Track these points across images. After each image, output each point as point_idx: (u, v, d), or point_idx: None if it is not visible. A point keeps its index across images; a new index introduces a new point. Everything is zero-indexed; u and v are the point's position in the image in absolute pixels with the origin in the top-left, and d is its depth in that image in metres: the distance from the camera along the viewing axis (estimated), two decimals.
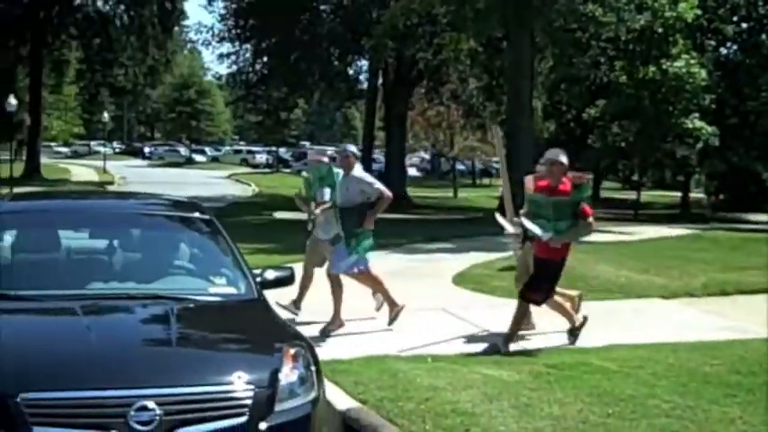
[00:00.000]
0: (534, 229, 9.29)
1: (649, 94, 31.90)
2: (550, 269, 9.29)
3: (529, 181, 9.58)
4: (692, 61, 31.47)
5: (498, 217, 10.65)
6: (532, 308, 9.79)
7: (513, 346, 9.25)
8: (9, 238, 6.59)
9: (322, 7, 40.93)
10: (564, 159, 9.17)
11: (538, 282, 9.30)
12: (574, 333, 9.63)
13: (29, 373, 4.77)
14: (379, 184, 10.43)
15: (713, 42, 37.18)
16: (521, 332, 9.72)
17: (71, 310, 5.54)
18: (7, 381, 4.64)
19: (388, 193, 10.37)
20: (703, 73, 31.54)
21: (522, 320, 9.50)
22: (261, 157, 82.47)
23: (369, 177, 10.54)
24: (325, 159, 11.36)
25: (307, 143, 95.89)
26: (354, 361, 8.27)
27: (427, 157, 74.81)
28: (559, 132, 47.51)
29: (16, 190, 35.11)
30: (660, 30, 31.36)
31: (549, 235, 9.13)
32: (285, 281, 6.66)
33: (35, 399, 4.58)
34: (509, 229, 10.29)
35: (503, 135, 10.83)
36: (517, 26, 27.10)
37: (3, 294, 5.76)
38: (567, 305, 9.81)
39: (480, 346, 9.31)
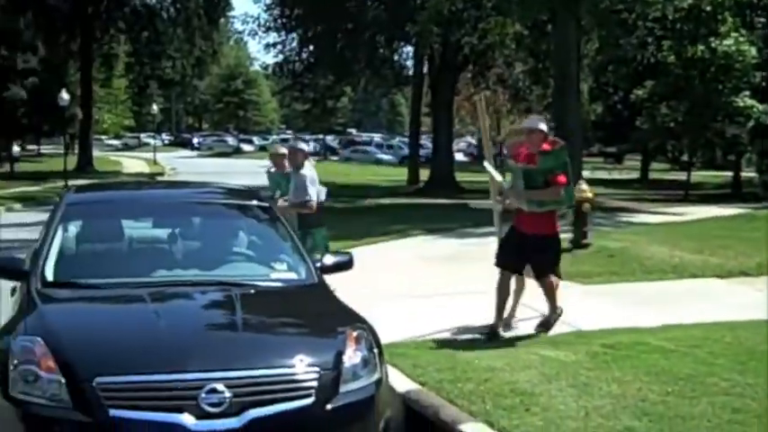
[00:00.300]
0: (494, 174, 9.58)
1: (698, 73, 31.54)
2: (554, 245, 9.12)
3: (509, 148, 9.45)
4: (742, 39, 31.01)
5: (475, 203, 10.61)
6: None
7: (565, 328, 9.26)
8: (76, 228, 6.79)
9: None
10: (542, 126, 8.97)
11: (547, 260, 9.06)
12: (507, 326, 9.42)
13: (103, 358, 4.95)
14: (310, 192, 10.31)
15: (763, 19, 36.61)
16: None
17: (139, 297, 5.73)
18: (83, 366, 4.83)
19: (312, 203, 10.29)
20: (753, 51, 31.08)
21: (555, 297, 9.19)
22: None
23: (308, 181, 10.36)
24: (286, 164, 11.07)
25: (353, 130, 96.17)
26: (411, 344, 8.37)
27: (474, 141, 74.67)
28: (606, 114, 47.23)
29: (70, 183, 35.65)
30: (708, 8, 30.98)
31: (504, 183, 9.26)
32: (344, 266, 6.79)
33: (110, 383, 4.75)
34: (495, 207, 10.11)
35: (485, 103, 10.43)
36: (563, 8, 26.94)
37: (73, 283, 5.97)
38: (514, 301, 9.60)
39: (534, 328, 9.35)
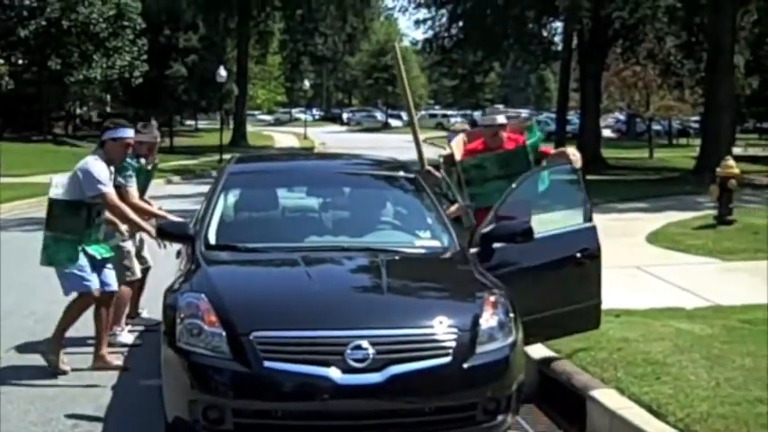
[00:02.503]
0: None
1: None
2: None
3: (458, 145, 8.09)
4: None
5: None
6: None
7: None
8: (236, 196, 7.31)
9: None
10: (503, 120, 7.94)
11: None
12: None
13: (259, 314, 5.40)
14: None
15: None
16: None
17: (293, 260, 6.18)
18: (242, 321, 5.28)
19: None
20: None
21: None
22: (456, 121, 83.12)
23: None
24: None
25: (500, 106, 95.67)
26: None
27: (622, 117, 73.20)
28: (763, 89, 45.72)
29: (225, 157, 36.84)
30: None
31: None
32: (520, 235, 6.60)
33: (265, 337, 5.18)
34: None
35: (400, 51, 9.25)
36: None
37: (233, 246, 6.47)
38: None
39: (673, 303, 9.40)
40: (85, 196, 7.48)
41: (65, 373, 7.51)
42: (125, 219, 7.85)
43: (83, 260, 7.50)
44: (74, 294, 7.65)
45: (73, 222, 7.53)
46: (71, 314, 7.68)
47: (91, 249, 7.58)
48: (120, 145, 7.75)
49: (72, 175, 7.61)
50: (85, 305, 7.63)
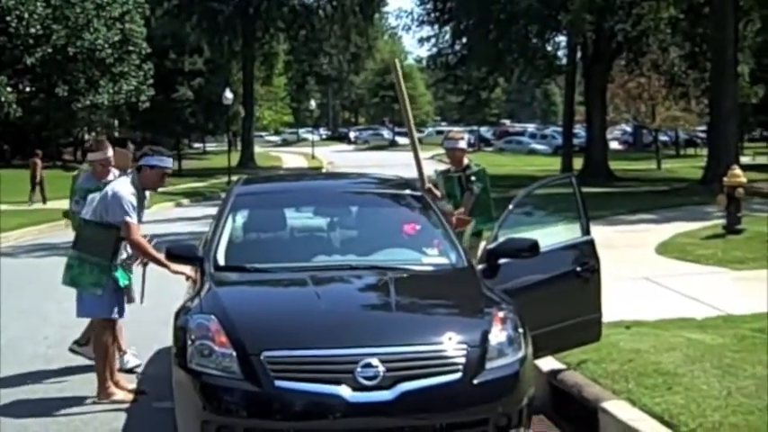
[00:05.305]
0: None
1: None
2: None
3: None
4: None
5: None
6: None
7: None
8: (244, 217, 7.31)
9: None
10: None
11: None
12: None
13: (269, 334, 5.43)
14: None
15: None
16: None
17: (302, 280, 6.20)
18: (252, 341, 5.31)
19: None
20: None
21: None
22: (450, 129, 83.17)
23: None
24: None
25: (507, 121, 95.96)
26: None
27: (629, 129, 73.29)
28: None
29: (234, 179, 36.97)
30: None
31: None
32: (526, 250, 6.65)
33: (276, 356, 5.22)
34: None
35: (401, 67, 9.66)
36: None
37: (242, 267, 6.49)
38: None
39: (684, 313, 9.40)
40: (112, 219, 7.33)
41: (141, 393, 7.55)
42: (146, 254, 7.54)
43: (107, 287, 7.41)
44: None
45: (102, 246, 7.35)
46: (102, 348, 7.49)
47: (116, 275, 7.53)
48: (156, 174, 7.56)
49: (103, 196, 7.42)
50: (110, 330, 7.54)
